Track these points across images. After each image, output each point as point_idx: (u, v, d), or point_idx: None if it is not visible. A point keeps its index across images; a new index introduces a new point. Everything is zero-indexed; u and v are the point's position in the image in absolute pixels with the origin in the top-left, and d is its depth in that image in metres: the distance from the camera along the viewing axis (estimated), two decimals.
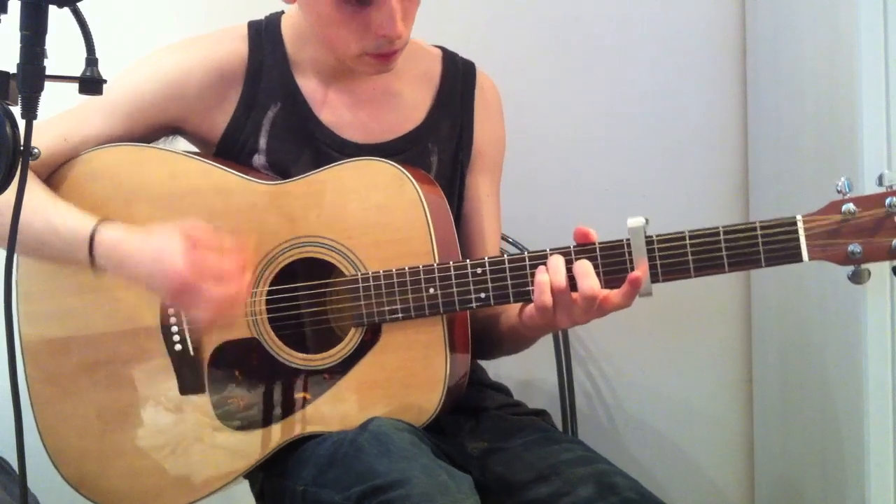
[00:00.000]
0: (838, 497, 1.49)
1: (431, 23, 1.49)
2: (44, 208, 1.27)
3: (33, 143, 1.27)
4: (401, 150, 1.38)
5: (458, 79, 1.44)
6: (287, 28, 1.38)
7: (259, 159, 1.35)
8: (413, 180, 1.26)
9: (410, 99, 1.42)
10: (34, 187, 1.28)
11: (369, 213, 1.26)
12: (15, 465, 0.99)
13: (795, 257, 1.14)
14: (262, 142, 1.35)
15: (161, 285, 1.22)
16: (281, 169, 1.35)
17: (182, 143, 1.42)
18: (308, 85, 1.37)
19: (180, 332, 1.30)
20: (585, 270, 1.17)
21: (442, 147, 1.41)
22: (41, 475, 1.24)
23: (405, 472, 1.09)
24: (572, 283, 1.18)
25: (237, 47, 1.36)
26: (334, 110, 1.38)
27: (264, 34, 1.38)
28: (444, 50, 1.47)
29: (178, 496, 1.31)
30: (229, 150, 1.36)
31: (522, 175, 1.56)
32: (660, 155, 1.91)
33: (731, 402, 1.95)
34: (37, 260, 1.31)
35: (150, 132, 1.36)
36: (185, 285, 1.19)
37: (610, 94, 1.91)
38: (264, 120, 1.35)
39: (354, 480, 1.13)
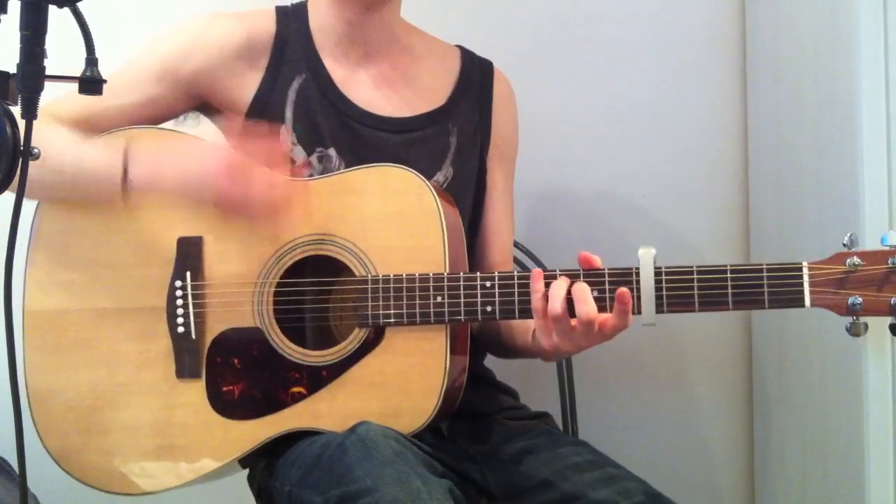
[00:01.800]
0: (838, 497, 1.49)
1: (430, 22, 1.50)
2: (75, 140, 1.29)
3: (70, 106, 1.32)
4: (421, 127, 1.41)
5: (476, 72, 1.49)
6: (311, 8, 1.42)
7: (285, 130, 1.37)
8: (433, 191, 1.27)
9: (430, 83, 1.45)
10: (61, 128, 1.30)
11: (387, 217, 1.28)
12: (15, 465, 0.99)
13: (798, 302, 1.17)
14: (289, 112, 1.37)
15: (205, 192, 1.26)
16: (305, 139, 1.37)
17: (205, 124, 1.44)
18: (330, 61, 1.41)
19: (184, 315, 1.30)
20: (582, 296, 1.18)
21: (462, 130, 1.44)
22: (41, 475, 1.24)
23: (377, 478, 1.09)
24: (572, 306, 1.19)
25: (264, 22, 1.40)
26: (356, 85, 1.41)
27: (291, 15, 1.42)
28: (461, 48, 1.52)
29: (160, 480, 1.31)
30: (256, 121, 1.37)
31: (520, 174, 1.56)
32: (660, 155, 1.91)
33: (731, 402, 1.95)
34: (67, 189, 1.31)
35: (179, 102, 1.38)
36: (231, 196, 1.24)
37: (609, 95, 1.91)
38: (290, 91, 1.38)
39: (335, 483, 1.13)
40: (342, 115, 1.38)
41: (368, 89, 1.41)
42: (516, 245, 1.67)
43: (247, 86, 1.37)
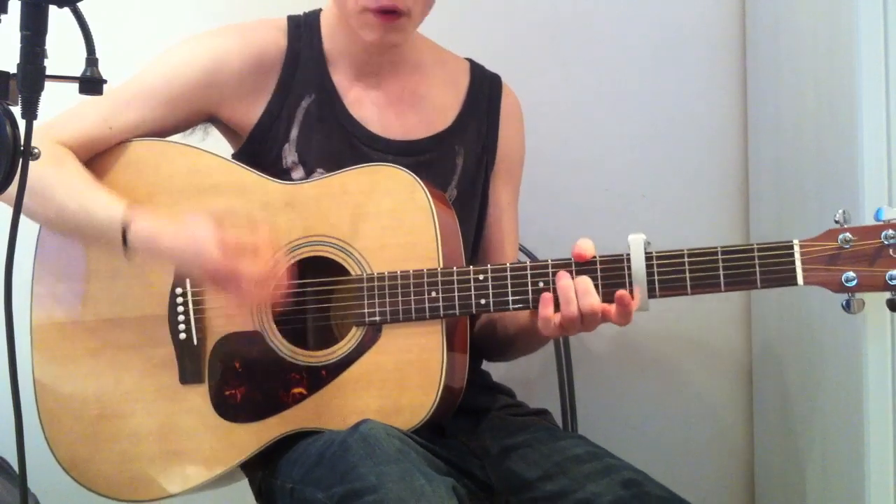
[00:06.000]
0: (838, 497, 1.49)
1: (431, 19, 1.49)
2: (79, 190, 1.29)
3: (76, 127, 1.34)
4: (428, 150, 1.41)
5: (484, 88, 1.48)
6: (325, 23, 1.41)
7: (288, 149, 1.37)
8: (425, 189, 1.28)
9: (439, 102, 1.45)
10: (70, 168, 1.31)
11: (380, 216, 1.28)
12: (15, 465, 0.99)
13: (790, 281, 1.17)
14: (294, 132, 1.37)
15: (196, 269, 1.26)
16: (308, 160, 1.37)
17: (214, 135, 1.45)
18: (341, 81, 1.40)
19: (186, 322, 1.31)
20: (585, 288, 1.20)
21: (468, 150, 1.44)
22: (41, 475, 1.24)
23: (381, 476, 1.10)
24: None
25: (276, 37, 1.39)
26: (365, 106, 1.40)
27: (303, 27, 1.41)
28: (471, 61, 1.51)
29: (168, 485, 1.32)
30: (261, 137, 1.38)
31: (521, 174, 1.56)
32: (660, 155, 1.91)
33: (731, 403, 1.95)
34: (70, 240, 1.34)
35: (188, 117, 1.39)
36: (218, 268, 1.22)
37: (609, 94, 1.91)
38: (297, 110, 1.38)
39: (338, 480, 1.14)
40: (351, 138, 1.38)
41: (377, 111, 1.41)
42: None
43: (255, 104, 1.38)
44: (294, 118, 1.37)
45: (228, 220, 1.25)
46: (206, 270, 1.24)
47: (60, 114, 1.34)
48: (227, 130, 1.43)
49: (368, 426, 1.20)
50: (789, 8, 1.66)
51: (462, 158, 1.43)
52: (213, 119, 1.42)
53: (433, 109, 1.44)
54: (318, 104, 1.38)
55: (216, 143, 1.43)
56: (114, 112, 1.35)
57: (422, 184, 1.28)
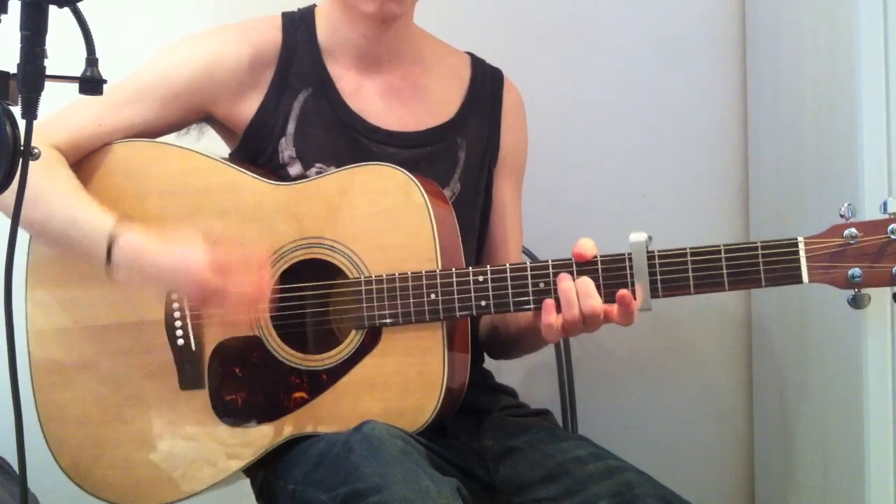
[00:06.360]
0: (838, 497, 1.49)
1: (432, 19, 1.49)
2: (68, 199, 1.28)
3: (69, 127, 1.33)
4: (430, 142, 1.40)
5: (486, 82, 1.47)
6: (320, 16, 1.41)
7: (285, 143, 1.36)
8: (421, 188, 1.27)
9: (440, 95, 1.44)
10: (61, 176, 1.30)
11: (376, 217, 1.27)
12: (15, 465, 0.99)
13: (796, 279, 1.16)
14: (291, 126, 1.36)
15: (185, 287, 1.24)
16: (306, 154, 1.36)
17: (210, 135, 1.45)
18: (339, 73, 1.39)
19: (183, 327, 1.31)
20: (587, 290, 1.19)
21: (470, 144, 1.43)
22: (41, 475, 1.24)
23: (386, 476, 1.10)
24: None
25: (271, 34, 1.39)
26: (365, 98, 1.39)
27: (298, 23, 1.40)
28: (472, 55, 1.50)
29: (171, 490, 1.32)
30: (257, 133, 1.37)
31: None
32: (660, 155, 1.91)
33: (731, 403, 1.95)
34: (54, 251, 1.32)
35: (183, 116, 1.38)
36: (209, 287, 1.21)
37: (609, 93, 1.91)
38: (294, 104, 1.37)
39: (341, 481, 1.13)
40: (350, 130, 1.37)
41: (377, 102, 1.39)
42: None
43: (251, 101, 1.37)
44: (291, 112, 1.37)
45: (221, 240, 1.24)
46: (195, 289, 1.23)
47: (54, 113, 1.33)
48: (223, 129, 1.42)
49: (371, 426, 1.19)
50: (789, 8, 1.66)
51: (464, 152, 1.42)
52: (208, 118, 1.41)
53: (434, 101, 1.43)
54: (315, 97, 1.37)
55: (212, 143, 1.43)
56: (108, 110, 1.34)
57: (417, 182, 1.27)
